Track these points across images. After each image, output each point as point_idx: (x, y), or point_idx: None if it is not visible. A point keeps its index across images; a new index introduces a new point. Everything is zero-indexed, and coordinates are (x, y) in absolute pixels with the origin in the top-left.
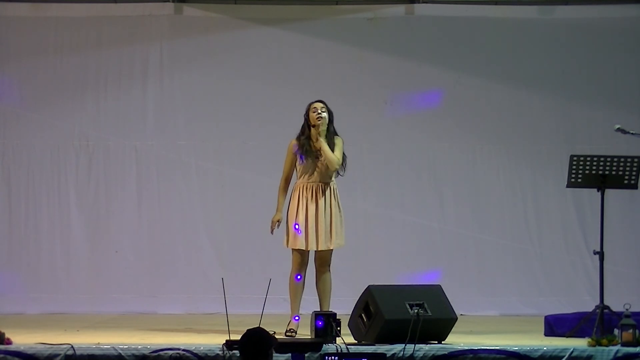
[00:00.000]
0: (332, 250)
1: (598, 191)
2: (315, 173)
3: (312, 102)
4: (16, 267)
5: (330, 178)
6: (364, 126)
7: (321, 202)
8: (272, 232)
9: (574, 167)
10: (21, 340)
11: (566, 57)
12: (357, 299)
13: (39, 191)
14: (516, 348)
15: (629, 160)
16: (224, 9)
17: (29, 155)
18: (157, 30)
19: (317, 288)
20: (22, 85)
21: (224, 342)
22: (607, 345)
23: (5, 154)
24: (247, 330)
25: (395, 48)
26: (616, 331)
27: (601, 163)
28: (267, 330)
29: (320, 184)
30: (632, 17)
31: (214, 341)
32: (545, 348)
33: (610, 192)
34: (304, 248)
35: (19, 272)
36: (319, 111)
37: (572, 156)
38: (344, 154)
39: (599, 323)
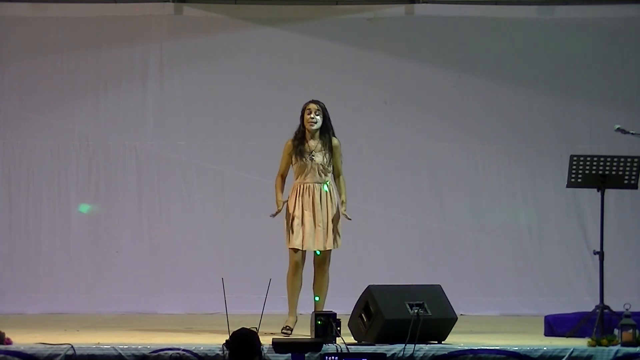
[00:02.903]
0: (330, 250)
1: (598, 191)
2: (310, 174)
3: (308, 103)
4: (16, 267)
5: (326, 177)
6: (364, 126)
7: (317, 202)
8: (271, 216)
9: (574, 167)
10: (21, 340)
11: (566, 57)
12: (357, 299)
13: (39, 191)
14: (516, 348)
15: (629, 160)
16: (224, 9)
17: (29, 155)
18: (157, 30)
19: (313, 288)
20: (22, 85)
21: (224, 342)
22: (607, 345)
23: (5, 154)
24: (233, 333)
25: (395, 48)
26: (616, 331)
27: (601, 163)
28: (260, 328)
29: (316, 185)
30: (632, 17)
31: (214, 341)
32: (545, 348)
33: (610, 192)
34: (300, 248)
35: (19, 272)
36: (313, 115)
37: (572, 156)
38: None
39: (599, 323)
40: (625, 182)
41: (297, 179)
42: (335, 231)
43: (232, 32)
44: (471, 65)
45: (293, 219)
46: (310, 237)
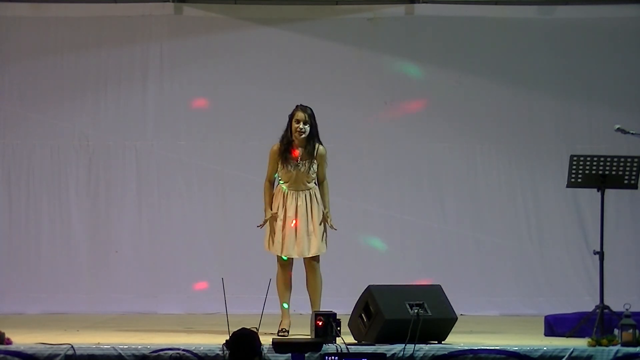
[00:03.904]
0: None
1: (598, 191)
2: (295, 181)
3: (297, 110)
4: (16, 267)
5: (310, 184)
6: (364, 126)
7: (301, 209)
8: (259, 226)
9: (574, 167)
10: (21, 340)
11: (566, 57)
12: (357, 299)
13: (39, 191)
14: (516, 348)
15: (629, 160)
16: (224, 9)
17: (29, 155)
18: (157, 30)
19: (307, 288)
20: (22, 85)
21: (224, 342)
22: (607, 345)
23: (5, 154)
24: (233, 333)
25: (395, 48)
26: (616, 331)
27: (601, 163)
28: (260, 328)
29: (300, 192)
30: (632, 17)
31: (214, 341)
32: (545, 348)
33: (610, 192)
34: (279, 254)
35: (19, 272)
36: (301, 125)
37: (572, 156)
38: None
39: (599, 323)
40: (625, 182)
41: (281, 183)
42: (320, 237)
43: (232, 32)
44: (471, 65)
45: (275, 223)
46: (291, 244)
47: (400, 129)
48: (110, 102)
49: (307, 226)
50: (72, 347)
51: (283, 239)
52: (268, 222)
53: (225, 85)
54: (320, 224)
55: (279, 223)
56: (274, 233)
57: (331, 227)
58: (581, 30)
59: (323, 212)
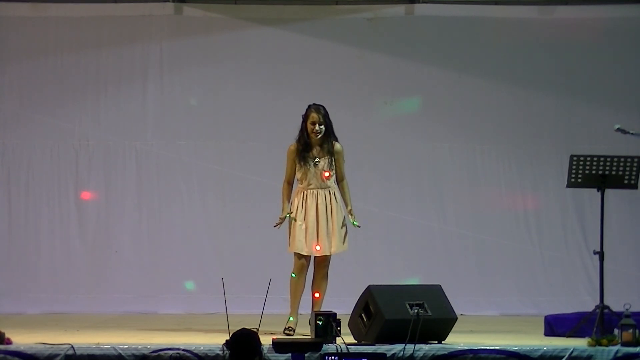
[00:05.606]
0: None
1: (598, 191)
2: (314, 180)
3: (311, 110)
4: (16, 267)
5: (329, 181)
6: (364, 126)
7: (322, 207)
8: (275, 226)
9: (574, 167)
10: (21, 340)
11: (566, 57)
12: (357, 299)
13: (39, 191)
14: (516, 348)
15: (629, 160)
16: (224, 9)
17: (29, 155)
18: (157, 30)
19: (312, 287)
20: (22, 85)
21: (224, 342)
22: (607, 345)
23: (5, 154)
24: (233, 333)
25: (395, 48)
26: (616, 331)
27: (601, 163)
28: (260, 328)
29: (319, 190)
30: (632, 17)
31: (214, 341)
32: (545, 348)
33: (610, 192)
34: (304, 253)
35: (19, 272)
36: (317, 127)
37: (572, 156)
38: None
39: (599, 323)
40: (625, 182)
41: (301, 184)
42: (340, 235)
43: (232, 32)
44: (471, 65)
45: (295, 224)
46: (312, 242)
47: (400, 129)
48: (110, 102)
49: (327, 225)
50: (72, 347)
51: (305, 237)
52: (289, 225)
53: (225, 85)
54: (341, 226)
55: (299, 222)
56: (295, 234)
57: (353, 223)
58: (581, 30)
59: (347, 210)
